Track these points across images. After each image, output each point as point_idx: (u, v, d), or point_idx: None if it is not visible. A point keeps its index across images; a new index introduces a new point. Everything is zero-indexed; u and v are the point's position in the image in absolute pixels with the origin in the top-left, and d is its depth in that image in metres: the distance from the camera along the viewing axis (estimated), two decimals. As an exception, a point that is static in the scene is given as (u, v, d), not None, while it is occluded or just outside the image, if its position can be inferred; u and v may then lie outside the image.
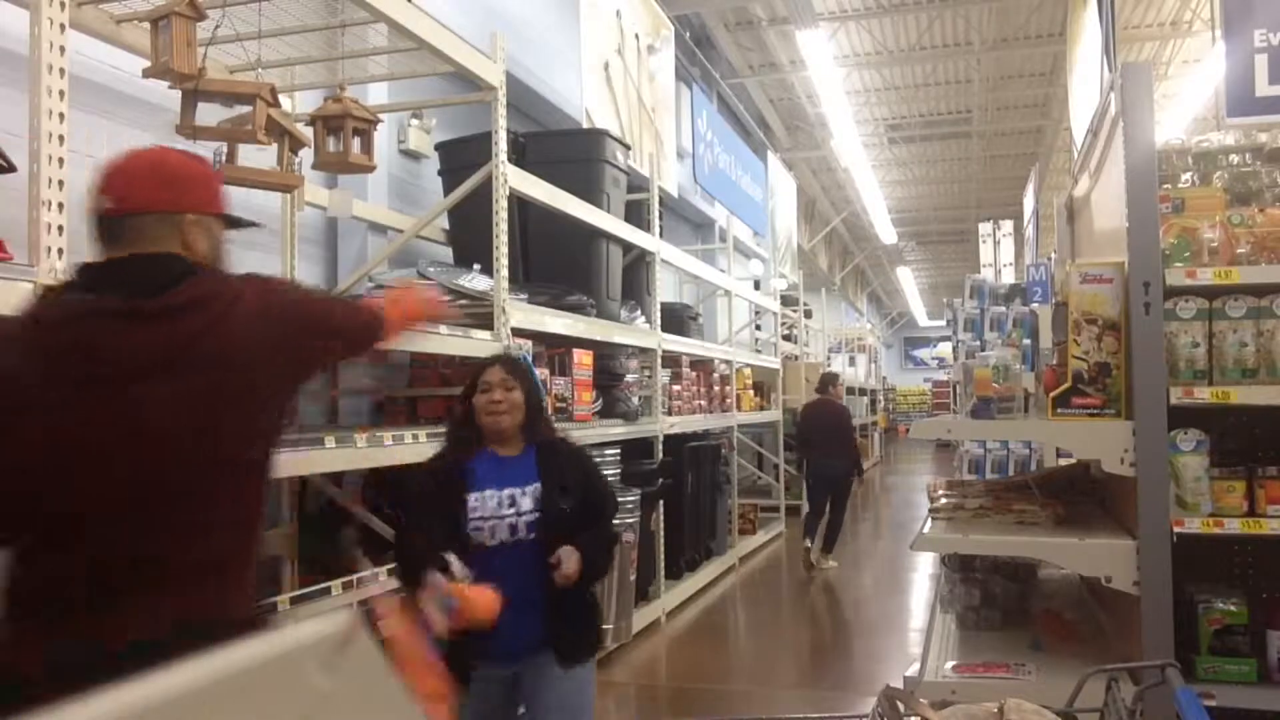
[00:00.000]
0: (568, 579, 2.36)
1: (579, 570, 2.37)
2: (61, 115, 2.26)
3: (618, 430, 5.47)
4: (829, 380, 8.94)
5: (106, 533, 1.52)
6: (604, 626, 4.36)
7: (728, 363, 8.28)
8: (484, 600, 2.14)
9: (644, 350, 6.12)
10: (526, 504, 2.44)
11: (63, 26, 2.28)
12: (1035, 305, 5.80)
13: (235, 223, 1.80)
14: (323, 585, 3.19)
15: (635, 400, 5.81)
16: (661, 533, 6.20)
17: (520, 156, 5.02)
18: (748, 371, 9.29)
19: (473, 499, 2.43)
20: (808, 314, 14.03)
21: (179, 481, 1.55)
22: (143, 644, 1.37)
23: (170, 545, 1.55)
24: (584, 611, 2.54)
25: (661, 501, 6.06)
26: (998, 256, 11.14)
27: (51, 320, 1.55)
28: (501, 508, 2.43)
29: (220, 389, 1.57)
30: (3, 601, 1.52)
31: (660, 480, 5.80)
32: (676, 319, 7.08)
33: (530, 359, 4.16)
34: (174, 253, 1.61)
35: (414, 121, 5.71)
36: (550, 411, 4.53)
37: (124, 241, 1.60)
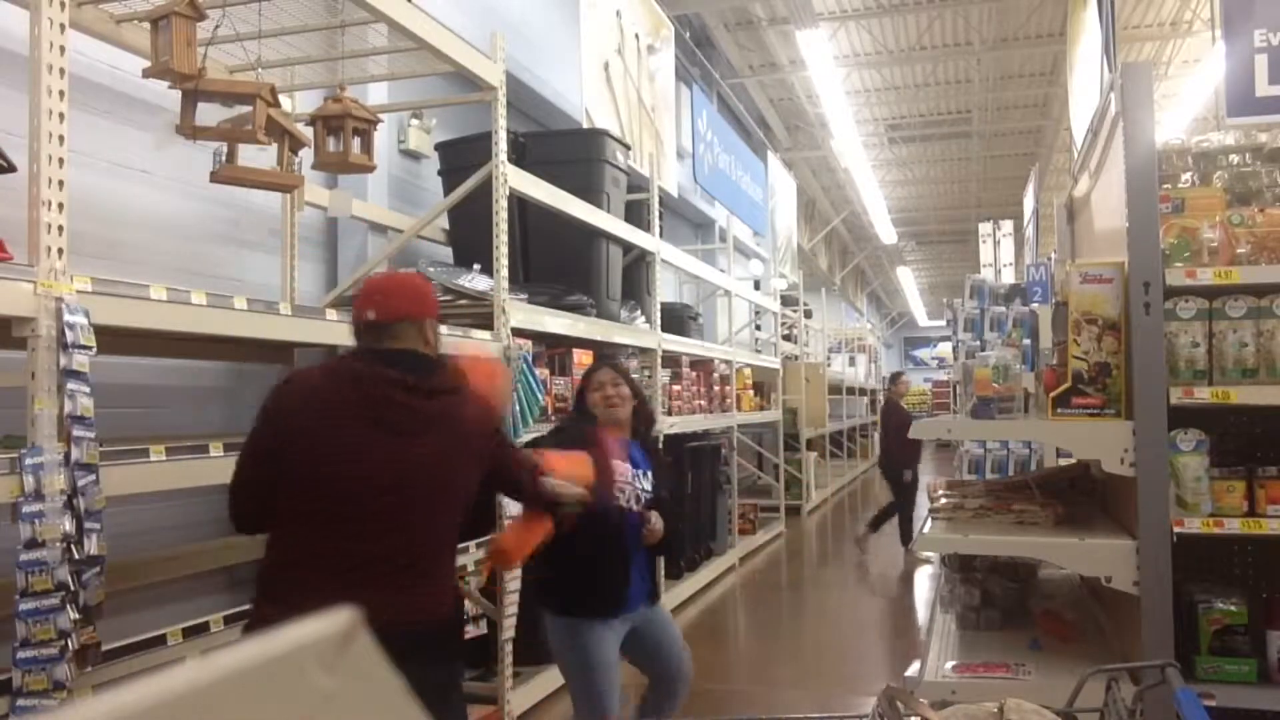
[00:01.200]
0: (654, 534, 2.98)
1: (659, 531, 2.99)
2: (61, 115, 2.26)
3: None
4: (891, 379, 9.47)
5: (377, 533, 2.08)
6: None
7: (728, 363, 8.28)
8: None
9: (644, 350, 6.12)
10: (644, 485, 3.01)
11: (63, 26, 2.28)
12: (1035, 305, 5.79)
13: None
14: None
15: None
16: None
17: (520, 156, 5.02)
18: (748, 371, 9.28)
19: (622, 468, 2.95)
20: (808, 314, 14.03)
21: (428, 507, 2.16)
22: (405, 630, 1.84)
23: (417, 552, 2.14)
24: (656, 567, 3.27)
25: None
26: (998, 256, 11.14)
27: (348, 377, 2.15)
28: (634, 481, 2.98)
29: (456, 447, 2.21)
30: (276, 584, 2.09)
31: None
32: (676, 319, 7.08)
33: (530, 359, 4.16)
34: (420, 350, 2.25)
35: (414, 121, 5.71)
36: (549, 408, 4.54)
37: (385, 339, 2.21)
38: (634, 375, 3.32)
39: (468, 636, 4.50)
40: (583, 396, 3.13)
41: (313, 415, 2.10)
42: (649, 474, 3.07)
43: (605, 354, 5.50)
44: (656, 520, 2.99)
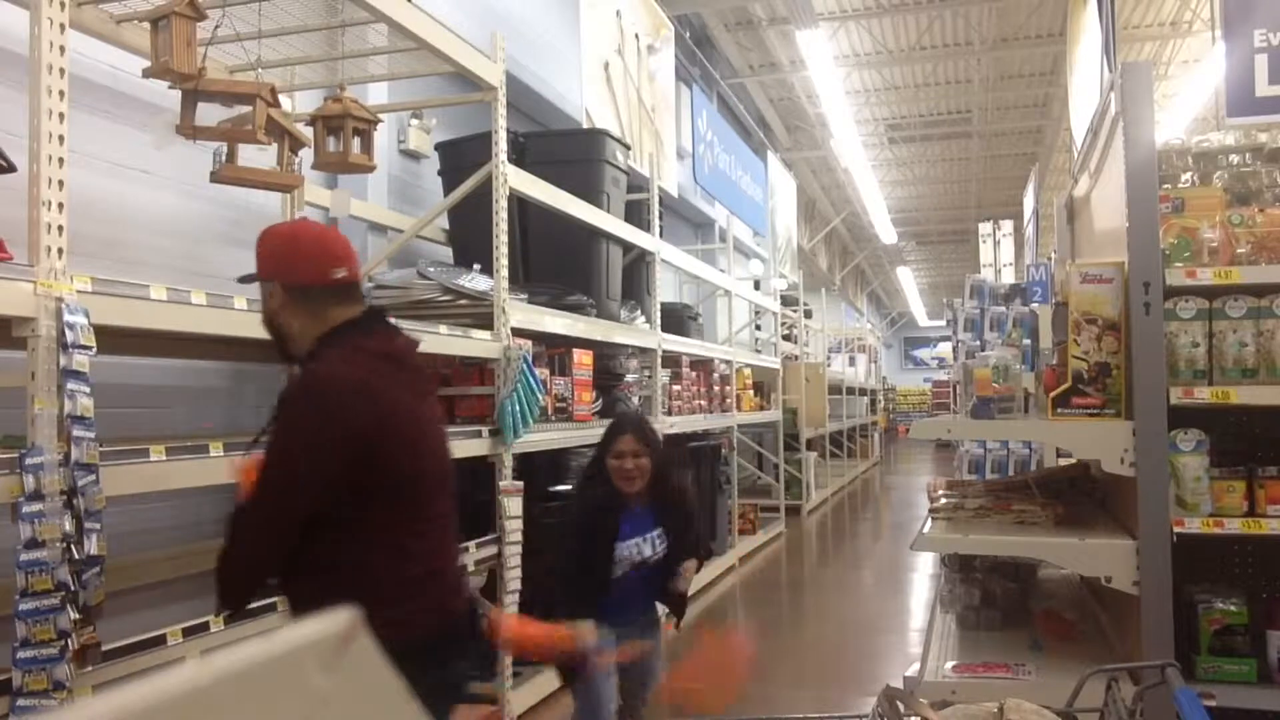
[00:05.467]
0: (689, 573, 3.03)
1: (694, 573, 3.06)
2: (61, 115, 2.26)
3: (618, 430, 5.46)
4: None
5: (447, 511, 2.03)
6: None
7: (728, 363, 8.28)
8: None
9: (644, 350, 6.11)
10: (647, 550, 2.96)
11: (63, 26, 2.28)
12: (1035, 305, 5.80)
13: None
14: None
15: (635, 400, 5.80)
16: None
17: (520, 156, 5.02)
18: (748, 371, 9.28)
19: (619, 548, 2.93)
20: (808, 314, 14.02)
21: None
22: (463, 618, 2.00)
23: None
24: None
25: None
26: (998, 256, 11.13)
27: (400, 349, 2.02)
28: (633, 553, 2.94)
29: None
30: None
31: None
32: (676, 319, 7.07)
33: (530, 359, 4.16)
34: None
35: (414, 121, 5.71)
36: (549, 409, 4.53)
37: (358, 302, 2.01)
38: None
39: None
40: (603, 453, 3.02)
41: (400, 411, 1.91)
42: (655, 539, 2.96)
43: (606, 354, 5.51)
44: (689, 568, 3.03)
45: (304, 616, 0.45)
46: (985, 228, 11.53)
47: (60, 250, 2.23)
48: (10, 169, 2.59)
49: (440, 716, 1.84)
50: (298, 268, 1.95)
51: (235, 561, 1.83)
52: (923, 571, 7.94)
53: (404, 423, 1.90)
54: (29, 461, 2.12)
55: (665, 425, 6.24)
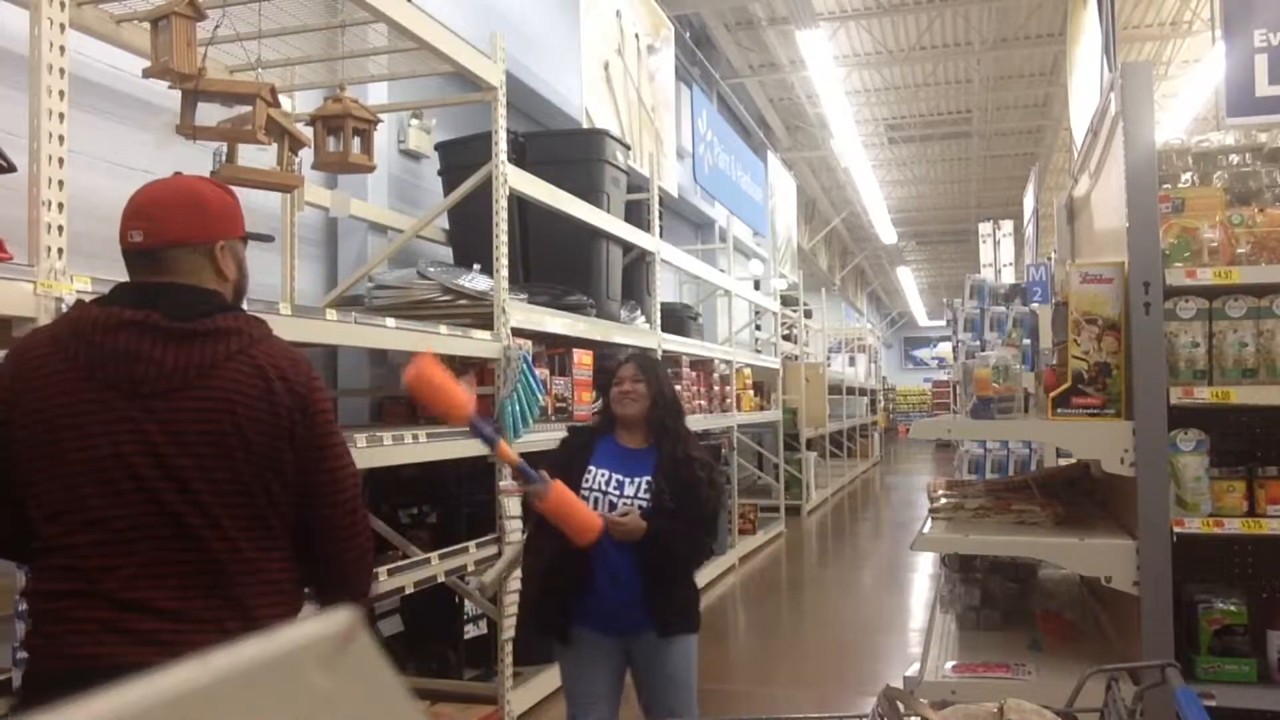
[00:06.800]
0: (618, 524, 2.62)
1: (634, 530, 2.64)
2: (61, 115, 2.26)
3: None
4: None
5: (119, 539, 1.58)
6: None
7: (728, 363, 8.28)
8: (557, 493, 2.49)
9: (644, 350, 6.12)
10: (630, 490, 2.75)
11: (63, 26, 2.28)
12: (1035, 305, 5.79)
13: (253, 238, 1.90)
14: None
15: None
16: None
17: (520, 156, 5.02)
18: (748, 371, 9.28)
19: (589, 472, 2.80)
20: (808, 314, 14.02)
21: (189, 499, 1.59)
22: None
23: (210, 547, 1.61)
24: (680, 589, 2.81)
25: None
26: (998, 256, 11.12)
27: (91, 327, 1.60)
28: (607, 486, 2.76)
29: (220, 415, 1.61)
30: None
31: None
32: (676, 319, 7.08)
33: (530, 359, 4.16)
34: (208, 287, 1.71)
35: (414, 121, 5.71)
36: (549, 409, 4.53)
37: (160, 271, 1.68)
38: (664, 374, 3.06)
39: (468, 637, 4.52)
40: (609, 388, 2.99)
41: (43, 384, 1.59)
42: (645, 480, 2.76)
43: (606, 354, 5.50)
44: (632, 517, 2.66)
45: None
46: (985, 228, 11.51)
47: (60, 250, 2.23)
48: (10, 169, 2.59)
49: None
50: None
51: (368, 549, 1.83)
52: (923, 571, 7.94)
53: (40, 401, 1.59)
54: (29, 461, 2.12)
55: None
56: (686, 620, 2.79)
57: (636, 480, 2.77)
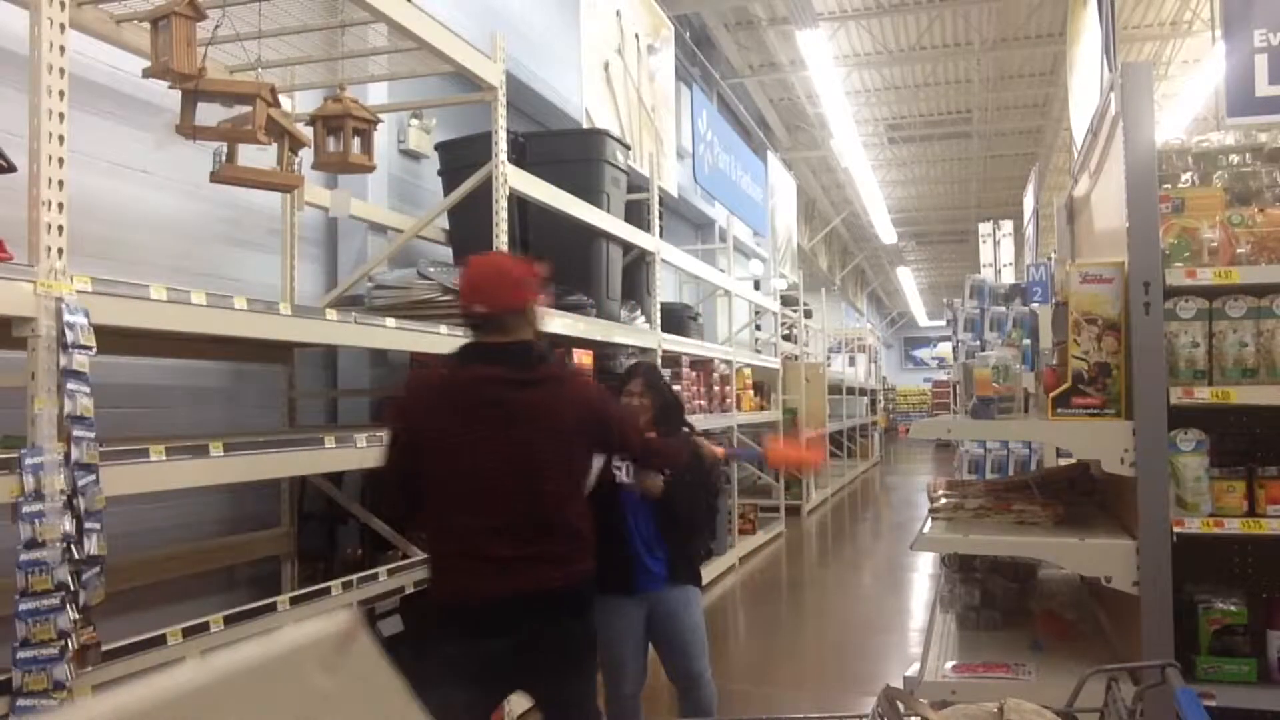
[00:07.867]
0: (646, 488, 3.11)
1: (658, 488, 3.10)
2: (61, 115, 2.26)
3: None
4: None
5: (493, 509, 2.40)
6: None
7: (728, 363, 8.28)
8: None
9: (644, 350, 6.11)
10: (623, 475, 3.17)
11: (63, 26, 2.28)
12: (1035, 305, 5.80)
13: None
14: (322, 585, 3.19)
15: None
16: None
17: (520, 156, 5.01)
18: (748, 371, 9.28)
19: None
20: (808, 314, 14.01)
21: (528, 483, 2.42)
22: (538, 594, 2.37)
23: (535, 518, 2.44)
24: (688, 550, 3.36)
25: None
26: (998, 256, 11.12)
27: (463, 380, 2.47)
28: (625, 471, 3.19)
29: (547, 433, 2.45)
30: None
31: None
32: (676, 319, 7.07)
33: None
34: (531, 340, 2.55)
35: (414, 121, 5.71)
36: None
37: (497, 332, 2.48)
38: (664, 382, 3.57)
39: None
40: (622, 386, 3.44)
41: (440, 415, 2.43)
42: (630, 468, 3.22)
43: (606, 354, 5.51)
44: (655, 478, 3.12)
45: None
46: (985, 228, 11.51)
47: (60, 250, 2.23)
48: (10, 169, 2.59)
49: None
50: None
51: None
52: (923, 571, 7.94)
53: (438, 425, 2.44)
54: (29, 461, 2.12)
55: (665, 425, 6.23)
56: (693, 573, 3.34)
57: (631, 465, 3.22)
